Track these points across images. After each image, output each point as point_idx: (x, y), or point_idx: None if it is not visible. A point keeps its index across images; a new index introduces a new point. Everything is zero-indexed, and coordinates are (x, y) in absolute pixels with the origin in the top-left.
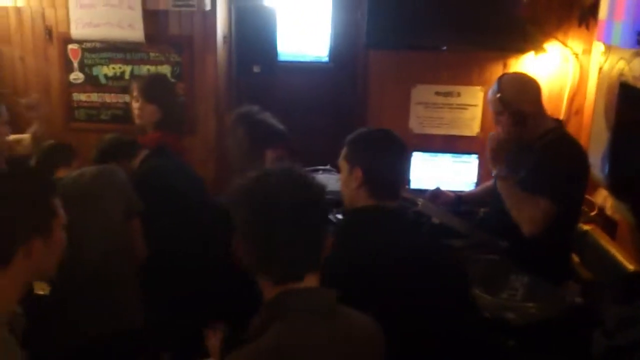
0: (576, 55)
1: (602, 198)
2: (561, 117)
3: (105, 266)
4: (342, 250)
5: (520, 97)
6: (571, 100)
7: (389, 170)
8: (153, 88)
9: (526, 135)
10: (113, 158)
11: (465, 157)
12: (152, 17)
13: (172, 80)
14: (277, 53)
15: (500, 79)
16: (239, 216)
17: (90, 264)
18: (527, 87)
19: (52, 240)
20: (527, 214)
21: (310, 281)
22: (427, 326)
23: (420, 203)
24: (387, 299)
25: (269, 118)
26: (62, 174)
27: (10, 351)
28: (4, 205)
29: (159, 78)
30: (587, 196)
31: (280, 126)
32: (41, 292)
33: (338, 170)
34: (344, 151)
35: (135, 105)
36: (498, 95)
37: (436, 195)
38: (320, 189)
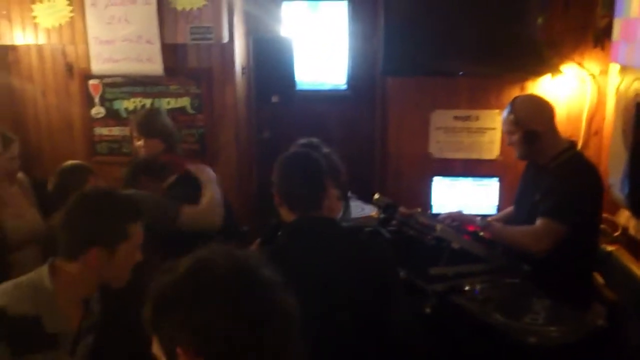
0: (593, 76)
1: (625, 218)
2: (580, 138)
3: None
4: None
5: (531, 117)
6: (590, 121)
7: (295, 189)
8: (151, 123)
9: (540, 156)
10: (144, 173)
11: (485, 181)
12: (170, 51)
13: (192, 112)
14: (295, 82)
15: (513, 100)
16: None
17: None
18: (539, 107)
19: (115, 257)
20: (525, 241)
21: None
22: (347, 324)
23: (438, 228)
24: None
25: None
26: None
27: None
28: (81, 214)
29: (152, 113)
30: (609, 216)
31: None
32: None
33: (358, 197)
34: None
35: (138, 143)
36: (511, 115)
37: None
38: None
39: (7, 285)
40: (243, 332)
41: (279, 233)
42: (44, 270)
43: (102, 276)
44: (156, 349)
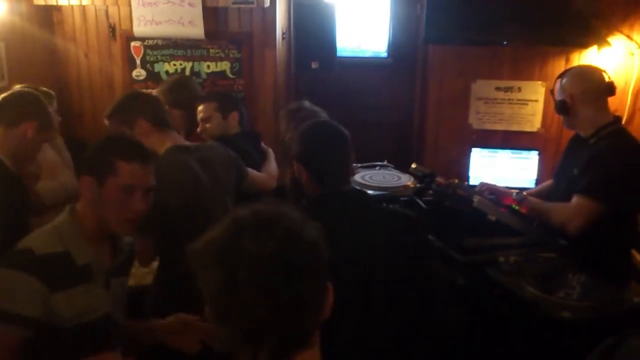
0: None
1: None
2: (625, 113)
3: None
4: None
5: (566, 86)
6: (636, 95)
7: (328, 162)
8: (176, 93)
9: (581, 128)
10: None
11: (525, 153)
12: (212, 14)
13: (232, 76)
14: (335, 49)
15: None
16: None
17: None
18: (578, 78)
19: (103, 191)
20: (560, 218)
21: None
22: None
23: (476, 200)
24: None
25: (318, 111)
26: None
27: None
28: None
29: (180, 83)
30: None
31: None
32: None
33: (395, 166)
34: (292, 150)
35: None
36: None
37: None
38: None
39: (33, 233)
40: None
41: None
42: (65, 212)
43: (100, 211)
44: None
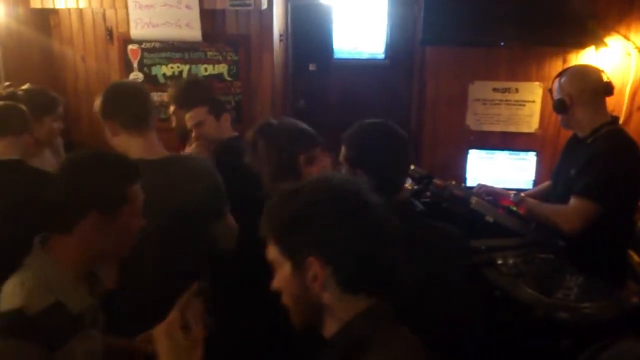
0: (638, 49)
1: None
2: (622, 113)
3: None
4: None
5: (563, 86)
6: (633, 95)
7: (391, 168)
8: (187, 96)
9: (578, 128)
10: None
11: (523, 154)
12: (209, 16)
13: (229, 78)
14: (332, 51)
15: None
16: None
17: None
18: (575, 77)
19: (116, 223)
20: (558, 219)
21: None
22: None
23: (473, 201)
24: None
25: (292, 123)
26: None
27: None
28: (74, 179)
29: (188, 85)
30: None
31: (306, 127)
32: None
33: None
34: (343, 151)
35: (171, 109)
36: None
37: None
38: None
39: (10, 287)
40: (369, 247)
41: None
42: (40, 256)
43: (103, 245)
44: (275, 255)
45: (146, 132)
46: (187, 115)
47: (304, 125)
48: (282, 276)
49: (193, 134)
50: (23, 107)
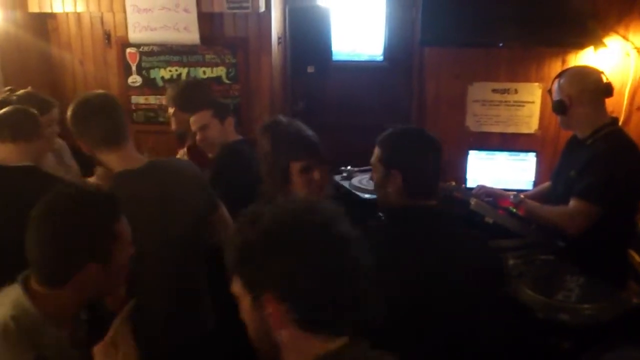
0: (638, 49)
1: None
2: (621, 113)
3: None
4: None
5: (563, 87)
6: (632, 96)
7: (427, 171)
8: (184, 97)
9: (578, 129)
10: None
11: (522, 155)
12: (207, 20)
13: (227, 81)
14: (331, 53)
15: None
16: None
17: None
18: (575, 78)
19: (111, 264)
20: (558, 221)
21: None
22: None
23: (473, 202)
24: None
25: (297, 128)
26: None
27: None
28: (61, 232)
29: (190, 87)
30: None
31: (309, 136)
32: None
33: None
34: (377, 153)
35: (170, 111)
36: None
37: (490, 193)
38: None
39: None
40: (325, 283)
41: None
42: (24, 304)
43: (97, 291)
44: (237, 288)
45: (121, 145)
46: (192, 119)
47: (308, 133)
48: (244, 309)
49: (197, 137)
50: (34, 111)
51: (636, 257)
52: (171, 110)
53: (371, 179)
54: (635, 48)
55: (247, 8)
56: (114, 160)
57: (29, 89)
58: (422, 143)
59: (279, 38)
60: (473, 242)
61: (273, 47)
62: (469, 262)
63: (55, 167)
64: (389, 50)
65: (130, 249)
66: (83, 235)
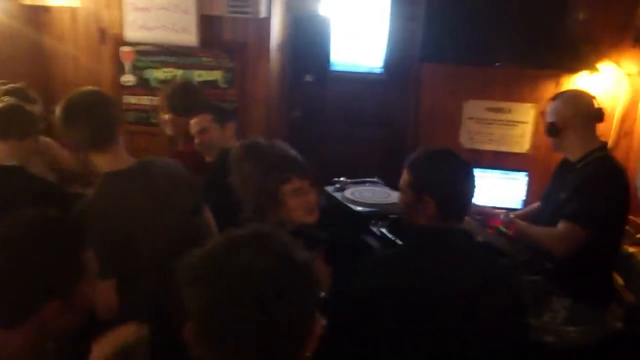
0: (629, 75)
1: None
2: (610, 138)
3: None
4: (403, 266)
5: (556, 110)
6: (622, 121)
7: (461, 195)
8: (177, 99)
9: (568, 152)
10: None
11: (514, 174)
12: (206, 22)
13: (223, 86)
14: (330, 62)
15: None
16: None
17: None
18: (568, 103)
19: (75, 301)
20: (547, 242)
21: None
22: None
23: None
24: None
25: (281, 149)
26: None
27: None
28: (17, 266)
29: (184, 90)
30: (633, 218)
31: (296, 156)
32: None
33: (385, 183)
34: (407, 177)
35: (165, 117)
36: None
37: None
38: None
39: None
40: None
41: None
42: None
43: (58, 329)
44: None
45: (110, 146)
46: (192, 121)
47: (294, 153)
48: None
49: (195, 140)
50: (32, 108)
51: (619, 280)
52: (166, 116)
53: (399, 201)
54: (627, 74)
55: (247, 13)
56: (102, 162)
57: (21, 84)
58: (453, 166)
59: (278, 44)
60: (500, 266)
61: (272, 53)
62: (499, 285)
63: (38, 163)
64: (388, 63)
65: (93, 287)
66: (44, 270)
